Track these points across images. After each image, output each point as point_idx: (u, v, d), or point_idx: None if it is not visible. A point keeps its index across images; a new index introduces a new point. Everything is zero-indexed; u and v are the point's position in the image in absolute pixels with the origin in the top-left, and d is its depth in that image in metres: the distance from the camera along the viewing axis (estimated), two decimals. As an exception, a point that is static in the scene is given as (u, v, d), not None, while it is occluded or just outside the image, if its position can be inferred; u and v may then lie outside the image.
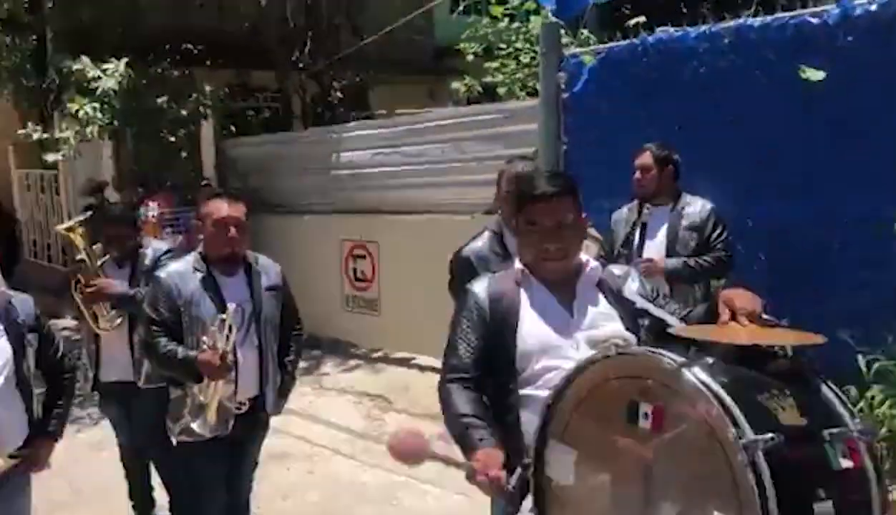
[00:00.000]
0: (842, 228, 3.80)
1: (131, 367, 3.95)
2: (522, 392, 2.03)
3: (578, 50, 4.71)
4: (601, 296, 2.13)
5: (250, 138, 9.21)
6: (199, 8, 9.50)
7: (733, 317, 1.81)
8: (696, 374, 1.55)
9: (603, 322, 2.07)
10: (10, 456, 2.68)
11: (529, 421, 1.95)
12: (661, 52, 4.25)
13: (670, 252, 3.99)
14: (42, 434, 2.81)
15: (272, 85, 10.21)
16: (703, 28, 4.11)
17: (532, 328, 2.06)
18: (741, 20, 4.08)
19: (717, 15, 4.37)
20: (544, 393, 1.91)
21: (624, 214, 4.18)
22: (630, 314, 2.09)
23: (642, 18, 4.40)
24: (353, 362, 7.28)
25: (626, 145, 4.17)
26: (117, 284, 3.96)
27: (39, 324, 2.86)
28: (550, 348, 2.03)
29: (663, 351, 1.65)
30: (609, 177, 4.47)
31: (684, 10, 4.99)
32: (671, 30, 4.24)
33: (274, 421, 3.41)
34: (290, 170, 8.32)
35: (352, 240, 7.55)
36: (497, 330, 2.08)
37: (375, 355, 7.30)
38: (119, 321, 3.98)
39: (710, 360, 1.63)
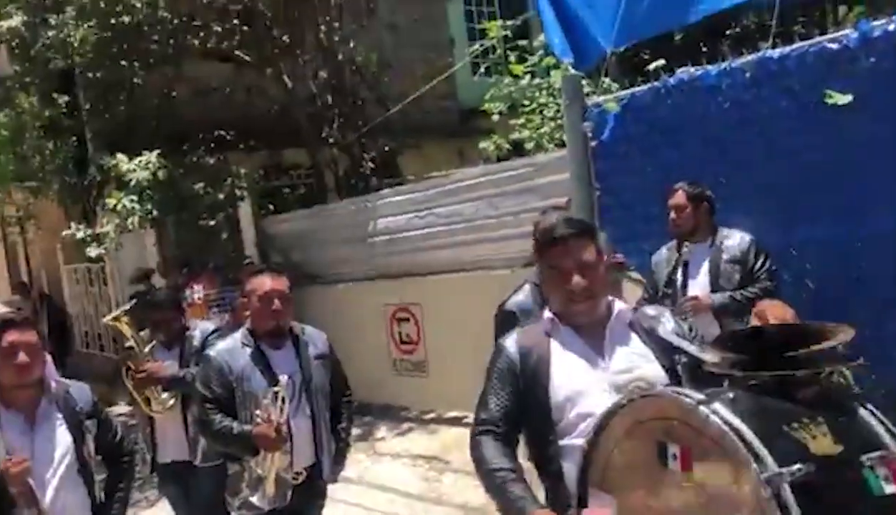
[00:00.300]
0: (884, 248, 3.73)
1: (187, 447, 4.00)
2: (562, 442, 2.04)
3: (601, 98, 4.77)
4: (634, 337, 2.14)
5: (287, 215, 9.42)
6: (228, 95, 9.88)
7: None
8: (716, 410, 1.55)
9: (637, 362, 2.08)
10: (76, 543, 2.71)
11: (570, 471, 1.96)
12: (684, 92, 4.28)
13: (714, 287, 3.96)
14: (104, 518, 2.84)
15: (305, 161, 10.49)
16: (724, 65, 4.14)
17: (564, 378, 2.08)
18: (760, 53, 4.11)
19: (736, 50, 4.40)
20: (582, 442, 1.93)
21: (664, 255, 4.17)
22: (666, 353, 2.10)
23: (662, 62, 4.46)
24: (405, 425, 7.26)
25: (658, 186, 4.18)
26: (167, 366, 4.05)
27: (97, 410, 2.93)
28: (583, 395, 2.03)
29: (684, 390, 1.67)
30: (645, 220, 4.48)
31: (703, 49, 5.05)
32: (691, 69, 4.28)
33: (331, 489, 3.41)
34: (329, 241, 8.48)
35: (394, 304, 7.61)
36: (529, 383, 2.10)
37: (427, 417, 7.27)
38: (171, 402, 4.05)
39: (731, 394, 1.62)
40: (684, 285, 4.07)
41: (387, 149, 10.03)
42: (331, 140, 9.59)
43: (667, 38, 5.95)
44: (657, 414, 1.68)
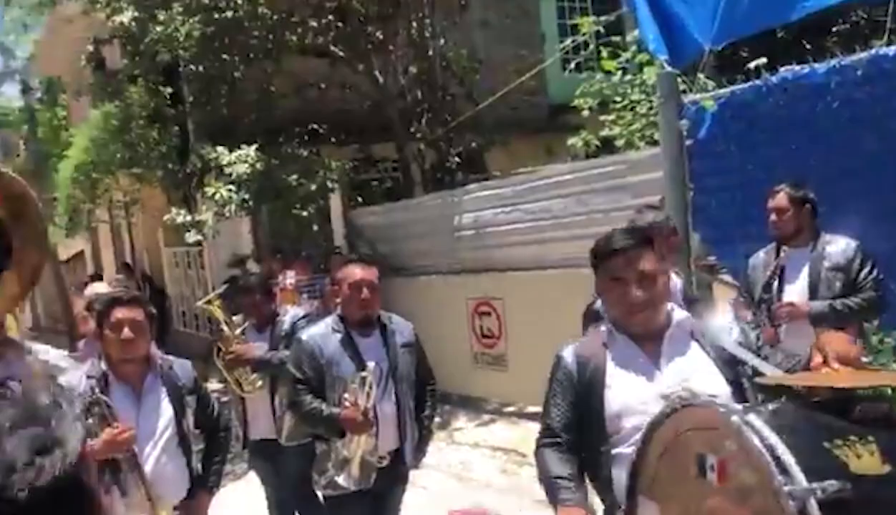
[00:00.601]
0: None
1: (274, 426, 4.14)
2: (615, 450, 2.05)
3: (699, 96, 4.65)
4: (695, 346, 2.13)
5: (376, 207, 9.60)
6: (323, 90, 10.12)
7: (826, 362, 1.78)
8: (750, 422, 1.52)
9: (695, 373, 2.06)
10: (175, 508, 2.87)
11: (619, 478, 1.99)
12: (788, 91, 4.14)
13: (813, 295, 3.80)
14: (202, 488, 2.99)
15: (393, 155, 10.64)
16: (833, 62, 3.98)
17: (619, 390, 2.09)
18: (873, 51, 3.92)
19: (845, 47, 4.21)
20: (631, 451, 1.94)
21: (761, 258, 4.02)
22: (729, 365, 2.08)
23: (764, 60, 4.31)
24: (485, 417, 7.29)
25: (756, 187, 4.06)
26: (256, 348, 4.20)
27: (198, 387, 3.09)
28: (639, 407, 2.03)
29: (722, 401, 1.67)
30: (741, 221, 4.37)
31: (807, 47, 4.85)
32: (796, 67, 4.13)
33: (412, 474, 3.47)
34: (415, 234, 8.58)
35: (476, 298, 7.64)
36: (585, 393, 2.12)
37: (507, 409, 7.28)
38: (260, 383, 4.19)
39: (772, 407, 1.60)
40: (780, 291, 3.92)
41: (474, 144, 10.07)
42: (419, 135, 9.71)
43: (766, 34, 5.73)
44: (699, 424, 1.68)
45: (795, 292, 3.87)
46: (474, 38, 10.96)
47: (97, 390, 2.73)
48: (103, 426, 2.68)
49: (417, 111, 9.72)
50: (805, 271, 3.86)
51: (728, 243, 4.60)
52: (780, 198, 3.85)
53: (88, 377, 2.78)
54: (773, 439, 1.47)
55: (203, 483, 3.00)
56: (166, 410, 2.89)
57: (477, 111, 9.21)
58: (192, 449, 2.96)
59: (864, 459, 1.45)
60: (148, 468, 2.77)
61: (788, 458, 1.44)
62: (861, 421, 1.56)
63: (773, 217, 3.88)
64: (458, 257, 7.98)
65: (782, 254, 3.90)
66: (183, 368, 3.05)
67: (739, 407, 1.60)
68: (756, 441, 1.48)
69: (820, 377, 1.75)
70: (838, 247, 3.78)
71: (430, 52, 9.51)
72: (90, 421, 2.67)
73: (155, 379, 2.92)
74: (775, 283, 3.93)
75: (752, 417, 1.53)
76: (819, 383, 1.73)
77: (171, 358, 3.10)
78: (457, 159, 9.77)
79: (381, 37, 9.46)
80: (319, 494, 3.35)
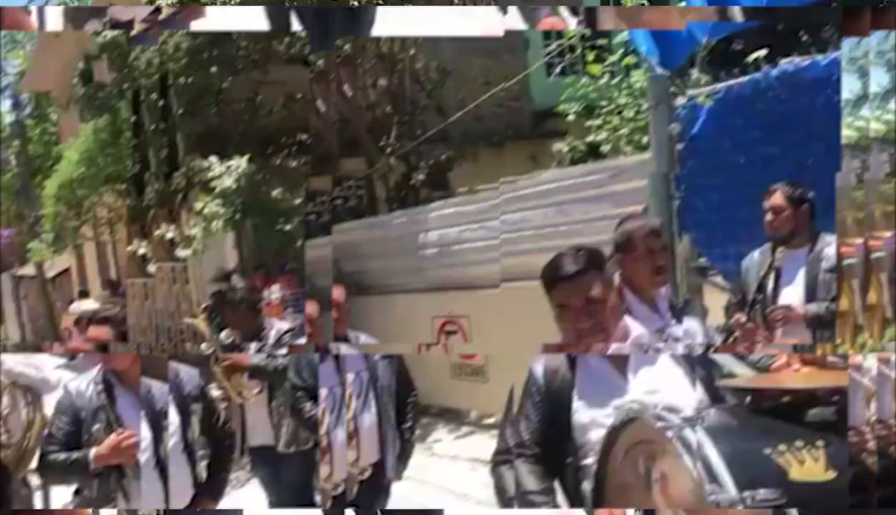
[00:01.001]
0: None
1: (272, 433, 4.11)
2: (583, 462, 2.06)
3: (693, 91, 4.58)
4: (664, 356, 2.15)
5: (341, 225, 9.38)
6: (299, 102, 9.98)
7: (789, 363, 1.85)
8: (684, 436, 1.53)
9: (665, 382, 2.07)
10: (178, 517, 2.84)
11: (587, 491, 2.00)
12: (787, 84, 4.04)
13: (811, 297, 3.73)
14: (206, 495, 2.96)
15: (358, 171, 10.50)
16: (835, 54, 3.91)
17: (585, 400, 2.10)
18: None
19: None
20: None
21: (756, 259, 3.94)
22: (702, 365, 2.10)
23: (763, 52, 4.23)
24: (465, 429, 7.24)
25: (752, 186, 3.99)
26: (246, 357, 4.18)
27: (203, 394, 3.09)
28: (605, 419, 2.03)
29: (663, 413, 1.68)
30: (734, 222, 4.32)
31: (803, 39, 4.79)
32: (797, 60, 4.06)
33: (393, 486, 3.47)
34: (380, 252, 8.45)
35: (442, 317, 7.51)
36: (553, 404, 2.13)
37: (486, 422, 7.18)
38: (257, 390, 4.16)
39: (718, 414, 1.64)
40: (776, 293, 3.87)
41: (444, 157, 9.97)
42: (388, 149, 9.62)
43: (763, 26, 5.69)
44: (644, 438, 1.69)
45: (791, 294, 3.80)
46: (444, 48, 10.80)
47: (103, 396, 2.72)
48: (108, 432, 2.68)
49: (386, 125, 9.63)
50: (802, 273, 3.78)
51: (718, 245, 4.56)
52: (776, 197, 3.74)
53: (95, 383, 2.78)
54: (708, 448, 1.48)
55: (208, 491, 2.97)
56: (171, 417, 2.87)
57: (446, 124, 9.10)
58: (196, 457, 2.94)
59: (807, 465, 1.44)
60: (152, 475, 2.74)
61: (720, 467, 1.44)
62: (814, 425, 1.56)
63: (768, 216, 3.78)
64: (423, 276, 7.83)
65: (777, 255, 3.82)
66: (190, 376, 3.04)
67: (678, 418, 1.61)
68: (687, 455, 1.49)
69: (780, 377, 1.76)
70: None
71: (400, 65, 9.42)
72: (96, 426, 2.68)
73: (161, 385, 2.89)
74: (769, 284, 3.87)
75: (687, 431, 1.54)
76: (770, 385, 1.76)
77: (177, 365, 3.08)
78: (421, 176, 9.63)
79: (348, 49, 9.38)
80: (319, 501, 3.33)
